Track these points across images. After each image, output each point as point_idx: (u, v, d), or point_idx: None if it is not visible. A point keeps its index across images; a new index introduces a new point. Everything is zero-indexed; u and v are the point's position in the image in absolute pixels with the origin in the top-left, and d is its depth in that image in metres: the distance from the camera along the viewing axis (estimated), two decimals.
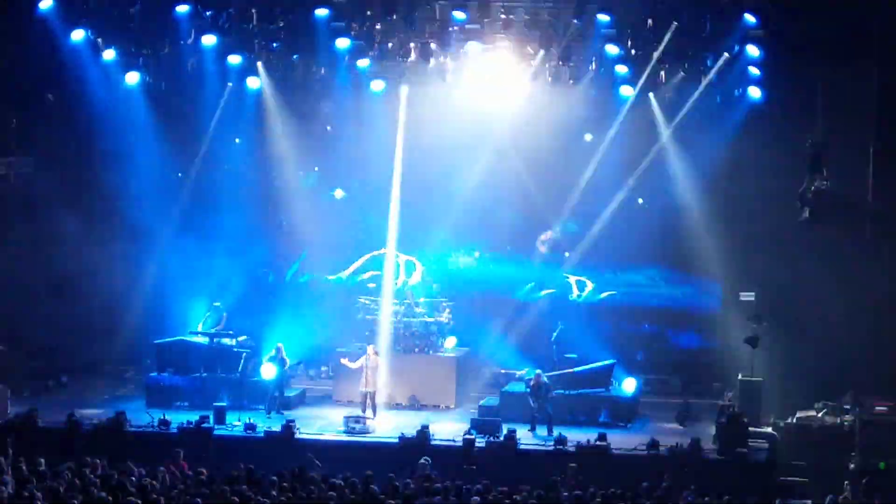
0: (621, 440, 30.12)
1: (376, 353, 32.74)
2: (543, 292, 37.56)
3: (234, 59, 35.10)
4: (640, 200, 37.06)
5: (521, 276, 37.59)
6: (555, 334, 34.66)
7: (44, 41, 34.34)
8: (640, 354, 37.13)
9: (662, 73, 34.30)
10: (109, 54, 34.79)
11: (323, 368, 36.58)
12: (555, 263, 37.78)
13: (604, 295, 37.82)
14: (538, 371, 31.91)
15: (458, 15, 33.78)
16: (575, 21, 33.47)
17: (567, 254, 37.77)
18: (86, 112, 35.39)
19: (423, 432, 29.52)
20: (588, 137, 36.66)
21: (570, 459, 28.28)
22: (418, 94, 36.07)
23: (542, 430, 31.05)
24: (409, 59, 35.02)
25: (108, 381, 36.13)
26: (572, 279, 37.85)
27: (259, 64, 35.30)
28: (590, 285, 37.79)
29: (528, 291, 37.66)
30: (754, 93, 33.51)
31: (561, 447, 29.35)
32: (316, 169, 38.29)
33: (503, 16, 33.73)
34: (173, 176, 36.96)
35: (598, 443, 29.21)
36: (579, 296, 37.78)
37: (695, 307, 37.03)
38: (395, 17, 33.94)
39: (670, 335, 37.68)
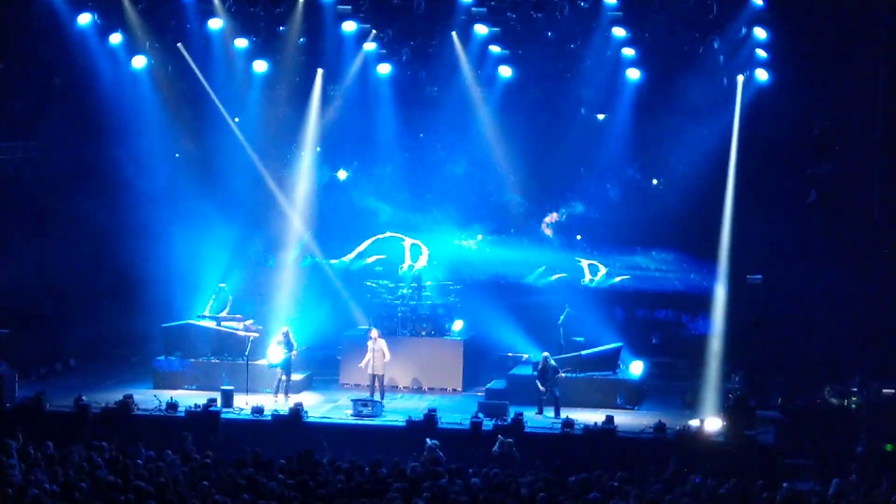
0: (628, 423, 30.14)
1: (380, 336, 32.74)
2: (554, 276, 37.48)
3: (241, 43, 35.14)
4: (655, 181, 36.98)
5: (525, 258, 37.52)
6: (562, 318, 34.60)
7: (50, 26, 34.36)
8: (656, 338, 37.05)
9: (669, 55, 34.25)
10: (116, 38, 34.83)
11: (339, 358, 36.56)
12: (562, 246, 37.69)
13: (617, 279, 37.73)
14: (545, 354, 31.90)
15: None
16: (582, 3, 33.44)
17: (578, 237, 37.64)
18: (92, 96, 35.38)
19: (431, 416, 29.54)
20: (601, 116, 36.53)
21: (578, 442, 28.42)
22: (423, 75, 36.02)
23: (549, 413, 31.07)
24: (415, 42, 35.00)
25: (116, 365, 36.21)
26: (584, 263, 37.74)
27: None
28: (602, 269, 37.68)
29: (539, 275, 37.59)
30: (761, 75, 33.46)
31: (568, 430, 29.36)
32: (318, 149, 38.21)
33: None
34: (175, 158, 36.82)
35: (605, 426, 29.21)
36: (591, 280, 37.68)
37: (707, 291, 36.90)
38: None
39: (686, 321, 37.49)
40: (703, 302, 36.98)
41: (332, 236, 38.49)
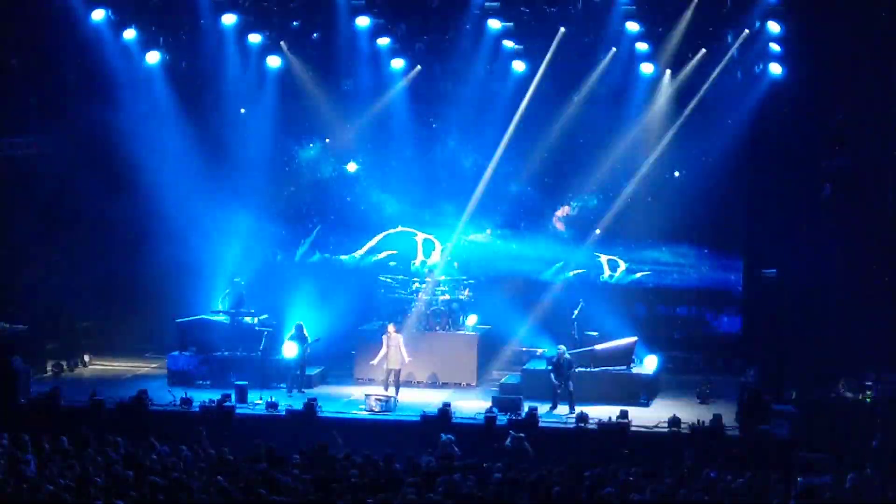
0: (643, 417, 30.10)
1: (397, 332, 32.78)
2: (572, 272, 37.39)
3: (255, 38, 35.18)
4: (677, 174, 36.91)
5: (540, 253, 37.47)
6: (576, 312, 34.56)
7: (64, 21, 34.41)
8: (678, 333, 36.98)
9: (683, 49, 34.23)
10: (130, 34, 34.91)
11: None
12: (576, 240, 37.60)
13: (638, 275, 37.63)
14: (561, 348, 31.87)
15: None
16: None
17: (598, 231, 37.52)
18: (106, 91, 35.41)
19: (445, 410, 29.54)
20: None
21: (592, 437, 28.44)
22: (437, 70, 36.05)
23: (563, 408, 31.06)
24: (429, 37, 35.05)
25: (130, 360, 36.30)
26: (604, 258, 37.64)
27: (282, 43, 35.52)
28: (622, 265, 37.58)
29: (557, 271, 37.50)
30: (775, 69, 33.41)
31: (583, 425, 29.35)
32: (327, 140, 38.15)
33: None
34: (190, 154, 36.78)
35: (619, 420, 29.18)
36: (611, 276, 37.57)
37: (729, 286, 36.81)
38: None
39: (709, 318, 37.38)
40: (725, 298, 36.94)
41: (341, 230, 38.51)
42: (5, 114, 35.32)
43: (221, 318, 34.53)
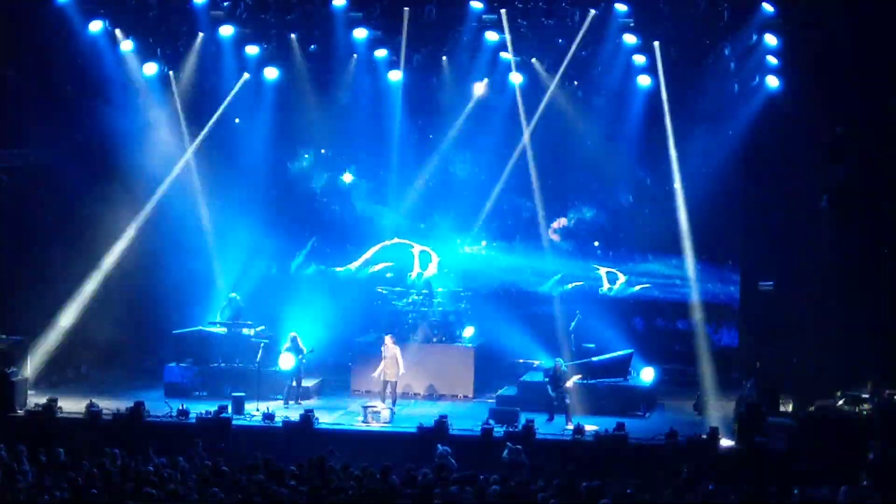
0: (640, 429, 30.09)
1: (394, 343, 32.76)
2: (570, 285, 37.36)
3: (252, 50, 35.21)
4: (677, 185, 36.94)
5: (537, 266, 37.48)
6: (573, 324, 34.57)
7: (62, 33, 34.42)
8: (677, 346, 36.97)
9: (681, 62, 34.28)
10: (127, 45, 34.92)
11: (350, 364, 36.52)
12: (573, 252, 37.62)
13: (637, 288, 37.61)
14: (558, 360, 31.87)
15: (476, 4, 33.85)
16: (592, 10, 33.53)
17: (596, 243, 37.50)
18: (104, 103, 35.40)
19: (442, 422, 29.51)
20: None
21: (589, 449, 28.41)
22: (433, 82, 36.12)
23: (560, 420, 31.03)
24: (427, 49, 35.11)
25: (127, 372, 36.27)
26: (602, 271, 37.63)
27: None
28: (621, 278, 37.56)
29: (554, 283, 37.49)
30: (772, 82, 33.45)
31: (579, 437, 29.33)
32: (323, 151, 38.16)
33: (520, 5, 33.78)
34: (187, 165, 36.77)
35: (616, 432, 29.16)
36: (610, 289, 37.57)
37: (729, 300, 36.79)
38: (410, 7, 34.07)
39: (709, 331, 37.34)
40: (725, 311, 36.92)
41: (336, 242, 38.54)
42: (2, 125, 35.32)
43: (218, 329, 34.53)
